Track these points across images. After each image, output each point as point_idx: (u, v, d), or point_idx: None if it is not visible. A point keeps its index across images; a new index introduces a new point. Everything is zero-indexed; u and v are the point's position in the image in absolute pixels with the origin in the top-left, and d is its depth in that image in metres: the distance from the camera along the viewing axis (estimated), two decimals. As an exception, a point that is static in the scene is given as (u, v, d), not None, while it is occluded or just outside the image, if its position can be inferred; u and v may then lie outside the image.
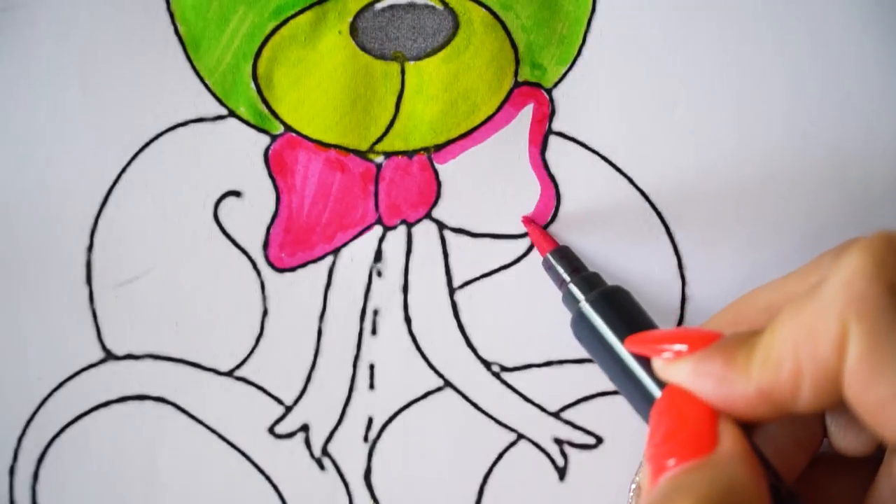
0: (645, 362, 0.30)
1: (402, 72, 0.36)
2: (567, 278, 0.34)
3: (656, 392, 0.29)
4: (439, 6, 0.36)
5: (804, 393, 0.25)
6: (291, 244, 0.37)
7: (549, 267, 0.35)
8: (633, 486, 0.32)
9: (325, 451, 0.37)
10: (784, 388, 0.25)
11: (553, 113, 0.36)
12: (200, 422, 0.37)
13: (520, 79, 0.36)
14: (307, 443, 0.37)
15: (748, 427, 0.27)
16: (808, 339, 0.24)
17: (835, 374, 0.24)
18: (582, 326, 0.33)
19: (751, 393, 0.26)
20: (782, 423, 0.30)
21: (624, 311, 0.32)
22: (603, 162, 0.36)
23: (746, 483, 0.25)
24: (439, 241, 0.37)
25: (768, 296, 0.30)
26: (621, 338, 0.31)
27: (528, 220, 0.36)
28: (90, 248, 0.36)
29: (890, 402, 0.23)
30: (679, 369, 0.28)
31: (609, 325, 0.32)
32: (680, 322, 0.37)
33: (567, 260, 0.34)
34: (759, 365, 0.26)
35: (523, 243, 0.37)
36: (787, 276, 0.30)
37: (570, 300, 0.34)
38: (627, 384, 0.31)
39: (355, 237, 0.37)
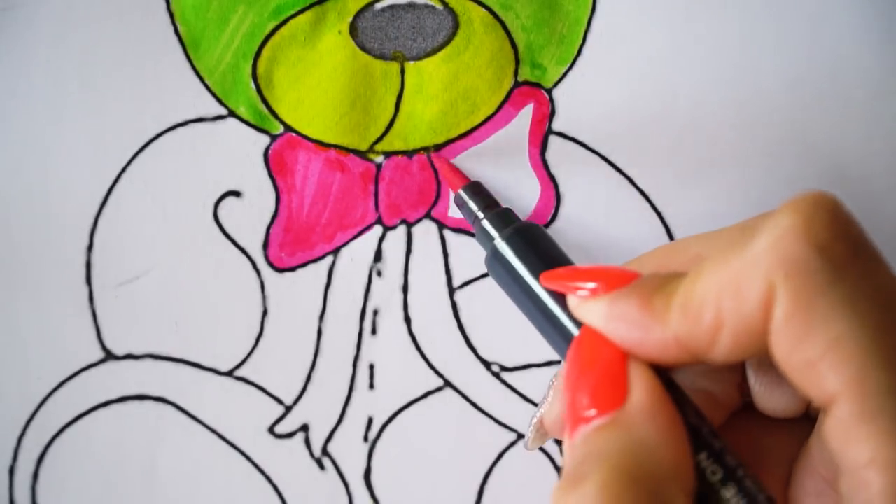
0: (562, 300, 0.29)
1: (402, 72, 0.36)
2: (480, 215, 0.33)
3: (574, 330, 0.28)
4: (439, 6, 0.36)
5: (722, 344, 0.24)
6: (291, 244, 0.37)
7: (461, 203, 0.34)
8: (535, 420, 0.31)
9: (325, 451, 0.37)
10: (702, 338, 0.25)
11: (553, 113, 0.36)
12: (200, 422, 0.37)
13: (520, 79, 0.36)
14: (307, 443, 0.37)
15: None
16: (732, 293, 0.24)
17: (758, 331, 0.24)
18: (497, 264, 0.32)
19: (667, 339, 0.25)
20: (696, 376, 0.29)
21: (540, 247, 0.31)
22: (603, 162, 0.36)
23: (660, 440, 0.24)
24: (439, 241, 0.37)
25: (699, 246, 0.29)
26: (536, 274, 0.30)
27: (436, 156, 0.36)
28: (90, 248, 0.36)
29: (817, 362, 0.23)
30: (593, 309, 0.27)
31: (524, 262, 0.31)
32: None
33: (480, 196, 0.34)
34: (678, 311, 0.25)
35: (523, 243, 0.37)
36: (721, 229, 0.29)
37: (483, 237, 0.33)
38: (545, 323, 0.30)
39: (355, 237, 0.37)
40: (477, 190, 0.34)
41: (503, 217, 0.33)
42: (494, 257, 0.32)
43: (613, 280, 0.27)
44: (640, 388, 0.25)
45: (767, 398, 0.29)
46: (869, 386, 0.23)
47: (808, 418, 0.29)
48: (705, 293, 0.24)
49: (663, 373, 0.26)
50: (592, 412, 0.25)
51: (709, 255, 0.28)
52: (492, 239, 0.32)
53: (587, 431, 0.25)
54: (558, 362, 0.37)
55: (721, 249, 0.25)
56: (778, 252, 0.23)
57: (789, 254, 0.23)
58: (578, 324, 0.28)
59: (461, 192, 0.34)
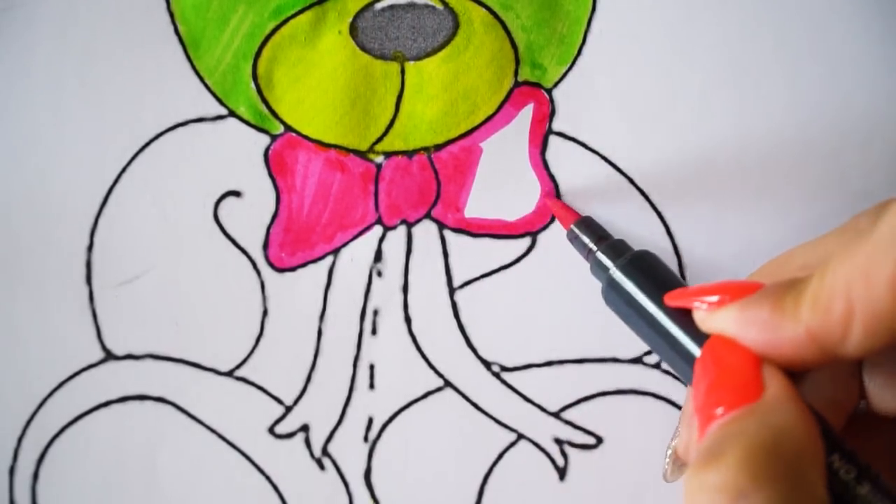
0: (683, 321, 0.29)
1: (402, 72, 0.36)
2: (593, 247, 0.34)
3: (696, 350, 0.29)
4: (439, 6, 0.36)
5: (854, 335, 0.25)
6: (291, 244, 0.37)
7: (573, 238, 0.35)
8: (669, 451, 0.32)
9: (325, 451, 0.37)
10: (834, 330, 0.25)
11: (553, 113, 0.36)
12: (200, 422, 0.37)
13: (520, 79, 0.36)
14: (307, 443, 0.37)
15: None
16: (861, 279, 0.24)
17: (888, 315, 0.24)
18: (614, 293, 0.32)
19: (800, 335, 0.25)
20: (819, 381, 0.29)
21: (656, 272, 0.32)
22: (603, 162, 0.36)
23: (797, 424, 0.25)
24: (439, 241, 0.37)
25: (804, 256, 0.30)
26: (655, 299, 0.31)
27: (547, 195, 0.36)
28: (90, 248, 0.36)
29: None
30: (723, 317, 0.27)
31: (641, 288, 0.31)
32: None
33: (591, 229, 0.34)
34: (810, 306, 0.25)
35: (523, 243, 0.37)
36: (822, 236, 0.30)
37: (598, 269, 0.33)
38: (665, 346, 0.30)
39: (355, 237, 0.37)
40: (589, 224, 0.35)
41: (616, 248, 0.33)
42: (611, 287, 0.32)
43: (737, 291, 0.28)
44: (776, 381, 0.26)
45: (883, 397, 0.29)
46: None
47: None
48: (835, 283, 0.25)
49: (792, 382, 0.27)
50: (723, 410, 0.26)
51: (814, 263, 0.28)
52: (607, 270, 0.33)
53: (724, 420, 0.25)
54: (559, 362, 0.37)
55: (841, 245, 0.26)
56: None
57: None
58: (700, 343, 0.29)
59: (573, 227, 0.35)
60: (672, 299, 0.30)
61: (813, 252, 0.30)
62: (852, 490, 0.25)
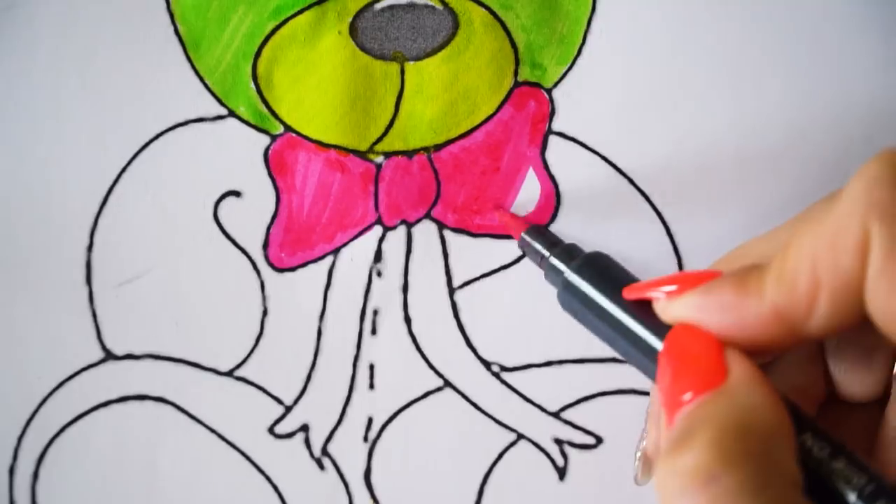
0: (643, 316, 0.29)
1: (402, 72, 0.36)
2: (546, 253, 0.33)
3: (658, 344, 0.28)
4: (439, 6, 0.36)
5: (821, 308, 0.24)
6: (291, 244, 0.37)
7: (526, 246, 0.34)
8: (639, 453, 0.31)
9: (325, 451, 0.37)
10: (800, 304, 0.24)
11: (553, 113, 0.36)
12: (200, 422, 0.37)
13: (520, 78, 0.36)
14: (307, 443, 0.37)
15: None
16: (827, 250, 0.24)
17: (856, 284, 0.24)
18: (570, 296, 0.32)
19: (764, 313, 0.25)
20: (785, 371, 0.29)
21: (610, 271, 0.31)
22: (603, 162, 0.36)
23: (764, 404, 0.24)
24: (439, 241, 0.37)
25: (763, 245, 0.30)
26: (613, 297, 0.30)
27: (497, 206, 0.36)
28: (90, 248, 0.36)
29: None
30: (684, 303, 0.27)
31: (598, 287, 0.31)
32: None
33: (543, 236, 0.34)
34: (774, 282, 0.25)
35: (523, 243, 0.37)
36: (776, 228, 0.30)
37: (553, 273, 0.33)
38: (627, 344, 0.30)
39: (355, 237, 0.37)
40: (540, 231, 0.35)
41: (569, 252, 0.33)
42: (567, 290, 0.32)
43: (696, 280, 0.27)
44: (740, 364, 0.25)
45: (849, 382, 0.29)
46: None
47: (888, 399, 0.29)
48: (799, 256, 0.24)
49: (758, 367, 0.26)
50: (691, 395, 0.25)
51: (773, 251, 0.27)
52: (561, 273, 0.32)
53: (690, 406, 0.25)
54: (559, 362, 0.37)
55: (805, 220, 0.25)
56: (870, 198, 0.23)
57: (881, 199, 0.23)
58: (662, 336, 0.28)
59: (524, 235, 0.35)
60: (631, 292, 0.29)
61: (768, 243, 0.29)
62: (827, 465, 0.25)
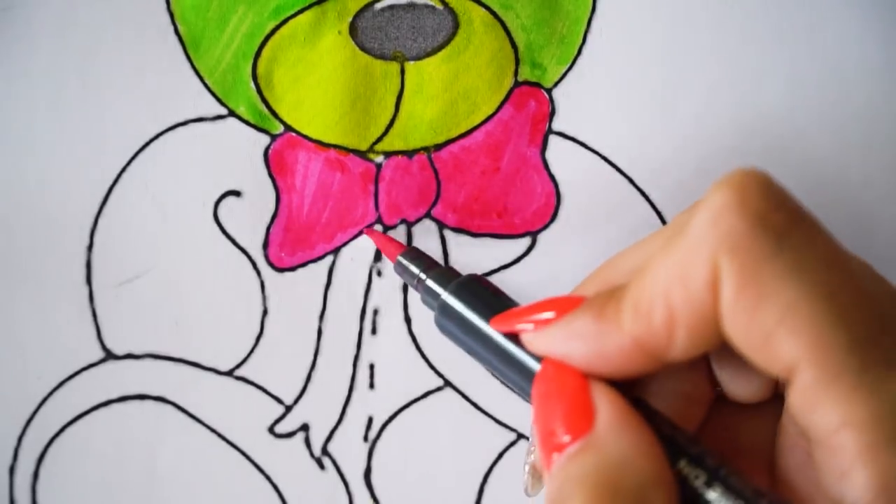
0: (516, 344, 0.28)
1: (402, 72, 0.36)
2: (423, 276, 0.33)
3: (535, 366, 0.27)
4: (439, 6, 0.36)
5: (679, 338, 0.24)
6: (291, 244, 0.37)
7: (401, 269, 0.34)
8: (527, 467, 0.31)
9: (325, 451, 0.37)
10: (659, 336, 0.24)
11: (553, 113, 0.36)
12: (200, 421, 0.37)
13: (520, 78, 0.36)
14: (307, 442, 0.37)
15: (631, 385, 0.26)
16: (679, 282, 0.24)
17: (710, 315, 0.23)
18: (447, 320, 0.31)
19: (625, 345, 0.25)
20: (667, 380, 0.28)
21: (486, 296, 0.30)
22: (603, 162, 0.36)
23: (633, 452, 0.24)
24: (439, 241, 0.37)
25: (632, 258, 0.29)
26: (487, 324, 0.29)
27: (370, 231, 0.36)
28: (90, 247, 0.36)
29: (773, 333, 0.23)
30: (549, 337, 0.26)
31: (474, 310, 0.30)
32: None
33: (419, 259, 0.34)
34: (631, 313, 0.24)
35: (523, 243, 0.37)
36: (648, 236, 0.29)
37: (429, 296, 0.32)
38: (505, 369, 0.29)
39: (355, 237, 0.37)
40: (416, 254, 0.34)
41: (446, 275, 0.32)
42: (443, 313, 0.31)
43: (563, 306, 0.27)
44: (605, 408, 0.25)
45: (736, 386, 0.28)
46: (827, 348, 0.22)
47: (780, 399, 0.28)
48: (653, 288, 0.24)
49: (628, 391, 0.26)
50: (566, 438, 0.25)
51: (643, 264, 0.27)
52: (438, 296, 0.32)
53: (562, 461, 0.25)
54: (558, 362, 0.37)
55: (660, 246, 0.25)
56: (717, 230, 0.23)
57: (728, 229, 0.23)
58: (538, 360, 0.27)
59: (400, 258, 0.34)
60: (498, 323, 0.29)
61: (638, 253, 0.29)
62: (703, 495, 0.24)
